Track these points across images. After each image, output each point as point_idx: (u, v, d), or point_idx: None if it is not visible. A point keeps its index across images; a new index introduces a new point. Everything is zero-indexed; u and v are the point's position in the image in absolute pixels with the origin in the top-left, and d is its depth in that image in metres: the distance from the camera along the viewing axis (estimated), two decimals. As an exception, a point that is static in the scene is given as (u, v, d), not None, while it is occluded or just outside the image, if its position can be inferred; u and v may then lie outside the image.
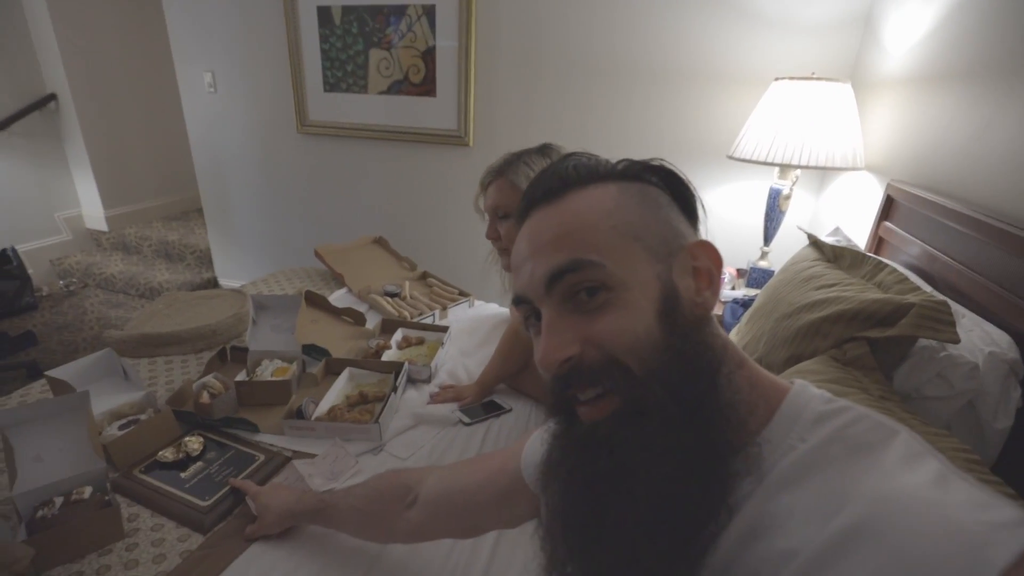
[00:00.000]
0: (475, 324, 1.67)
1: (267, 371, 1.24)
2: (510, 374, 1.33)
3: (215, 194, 2.86)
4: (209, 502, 0.89)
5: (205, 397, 1.11)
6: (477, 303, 1.84)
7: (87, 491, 0.85)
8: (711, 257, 0.43)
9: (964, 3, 1.19)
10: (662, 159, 0.47)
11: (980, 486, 0.33)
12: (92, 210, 3.31)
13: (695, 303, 0.42)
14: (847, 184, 1.70)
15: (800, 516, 0.34)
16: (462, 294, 1.84)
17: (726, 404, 0.39)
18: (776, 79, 1.58)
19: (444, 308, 1.73)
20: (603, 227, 0.41)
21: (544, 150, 1.10)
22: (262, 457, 1.02)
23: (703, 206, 0.48)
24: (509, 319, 1.35)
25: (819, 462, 0.36)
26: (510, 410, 1.25)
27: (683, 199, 0.47)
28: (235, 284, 2.87)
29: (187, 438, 1.03)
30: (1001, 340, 0.81)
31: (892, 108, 1.47)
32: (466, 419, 1.20)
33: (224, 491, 0.92)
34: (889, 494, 0.32)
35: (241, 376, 1.22)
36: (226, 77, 2.55)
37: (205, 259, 3.13)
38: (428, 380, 1.34)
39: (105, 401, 1.07)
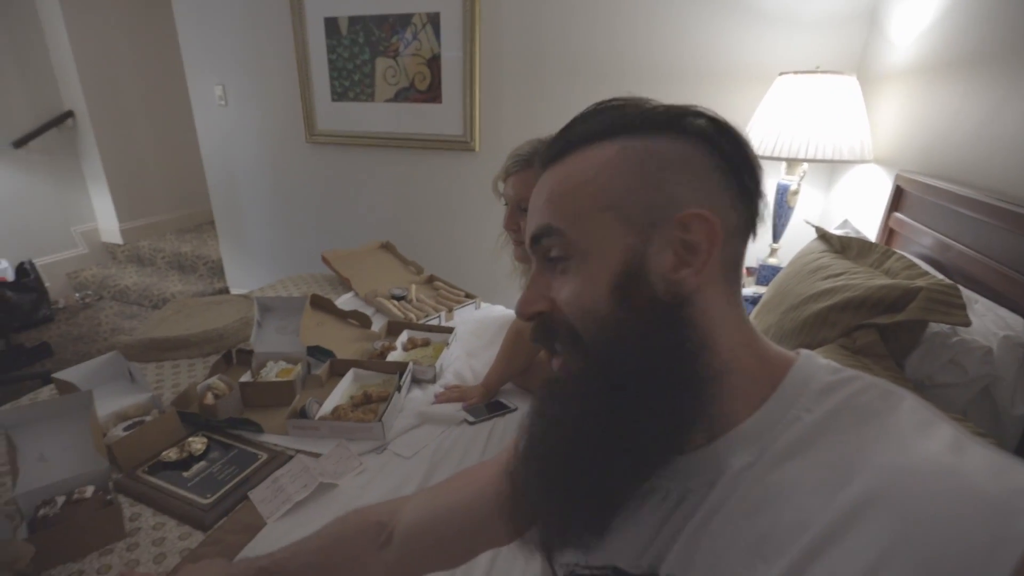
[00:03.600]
0: (481, 326, 1.66)
1: (272, 372, 1.25)
2: (514, 374, 1.32)
3: (226, 206, 2.91)
4: (211, 500, 0.89)
5: (209, 398, 1.12)
6: (484, 305, 1.83)
7: (89, 491, 0.85)
8: (706, 231, 0.38)
9: (969, -11, 1.18)
10: (706, 111, 0.41)
11: (996, 450, 0.31)
12: (107, 224, 3.39)
13: (670, 280, 0.38)
14: (856, 177, 1.67)
15: (807, 487, 0.33)
16: (468, 296, 1.84)
17: (693, 385, 0.37)
18: (781, 74, 1.57)
19: (450, 310, 1.73)
20: (580, 194, 0.41)
21: None
22: (265, 456, 1.01)
23: (757, 167, 0.41)
24: (513, 322, 1.34)
25: (826, 432, 0.34)
26: (515, 409, 1.24)
27: (732, 157, 0.40)
28: (245, 292, 2.91)
29: (191, 438, 1.03)
30: (1016, 324, 0.79)
31: (899, 99, 1.45)
32: (471, 418, 1.19)
33: (226, 488, 0.92)
34: (903, 461, 0.30)
35: (246, 377, 1.23)
36: (236, 90, 2.60)
37: (217, 270, 3.17)
38: (433, 380, 1.33)
39: (111, 403, 1.08)
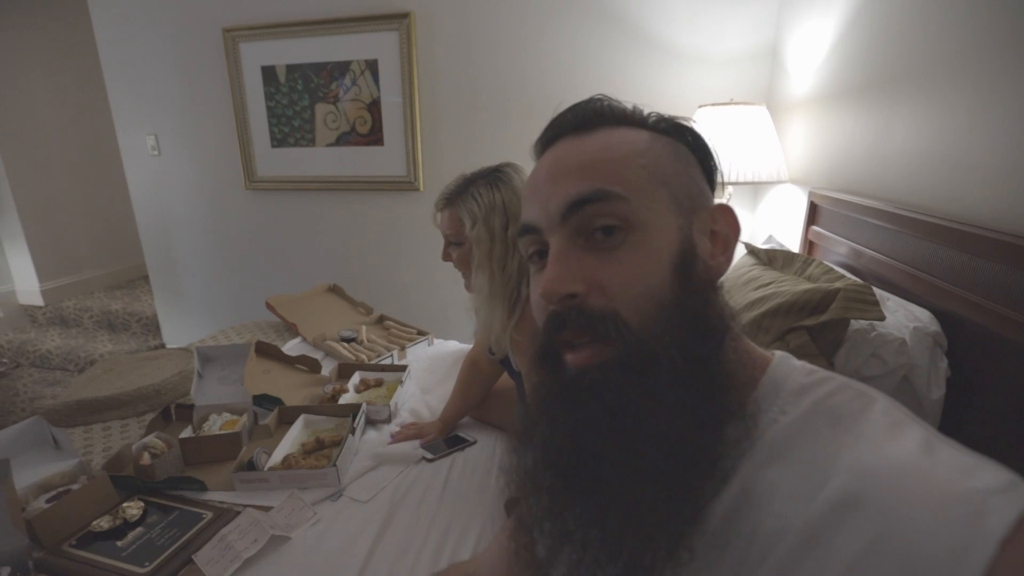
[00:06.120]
0: (435, 362, 1.65)
1: (215, 425, 1.18)
2: (472, 407, 1.31)
3: (161, 259, 2.78)
4: (149, 568, 0.82)
5: (146, 458, 1.04)
6: (436, 341, 1.82)
7: (4, 572, 0.76)
8: (730, 223, 0.42)
9: (849, 30, 1.34)
10: (692, 120, 0.45)
11: (965, 450, 0.31)
12: (26, 285, 3.14)
13: (709, 265, 0.40)
14: (776, 197, 1.81)
15: (785, 493, 0.33)
16: (420, 333, 1.82)
17: (727, 371, 0.37)
18: (700, 106, 1.71)
19: (403, 348, 1.70)
20: (634, 164, 0.39)
21: (494, 177, 1.02)
22: (210, 514, 0.95)
23: (723, 176, 0.46)
24: (468, 353, 1.34)
25: (802, 435, 0.34)
26: (474, 442, 1.23)
27: (705, 165, 0.45)
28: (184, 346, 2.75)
29: (125, 504, 0.95)
30: (923, 316, 0.87)
31: (804, 125, 1.61)
32: (429, 455, 1.16)
33: (167, 554, 0.84)
34: (876, 465, 0.30)
35: (186, 433, 1.15)
36: (170, 139, 2.53)
37: (152, 326, 2.98)
38: (388, 420, 1.30)
39: (32, 473, 0.98)
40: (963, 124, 0.93)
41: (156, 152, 2.56)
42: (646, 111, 0.44)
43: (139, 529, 0.91)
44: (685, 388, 0.35)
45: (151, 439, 1.08)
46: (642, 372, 0.36)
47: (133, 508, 0.94)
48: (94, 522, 0.90)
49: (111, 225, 3.42)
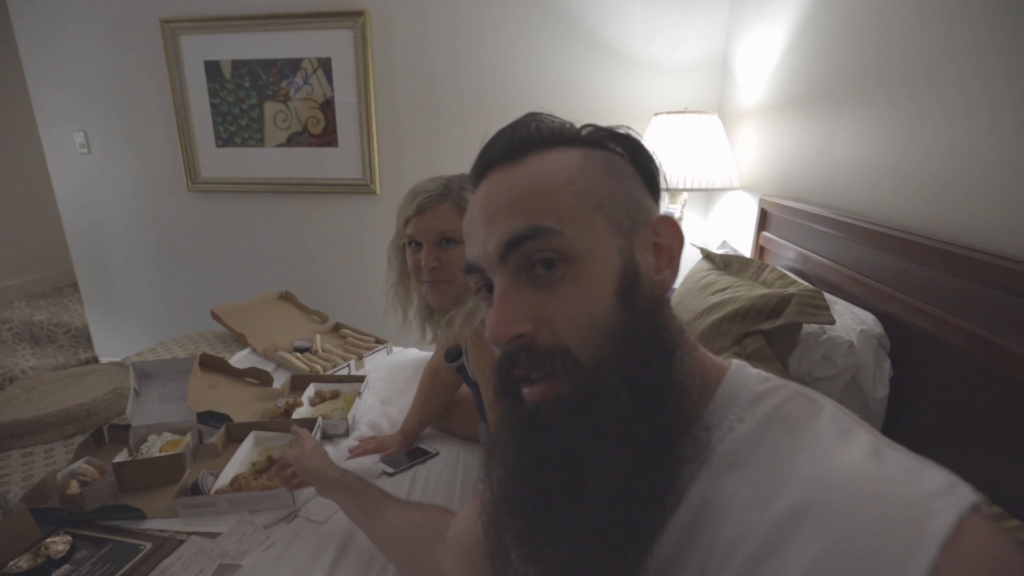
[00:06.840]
0: (395, 371, 1.60)
1: (155, 447, 1.09)
2: (433, 417, 1.28)
3: (92, 264, 2.58)
4: (77, 611, 0.74)
5: (74, 487, 0.95)
6: (395, 349, 1.77)
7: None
8: (673, 234, 0.42)
9: (795, 43, 1.40)
10: (628, 127, 0.43)
11: (908, 452, 0.33)
12: (-68, 295, 2.84)
13: (654, 281, 0.40)
14: (729, 203, 1.88)
15: (742, 501, 0.33)
16: (379, 341, 1.77)
17: (679, 389, 0.37)
18: (656, 114, 1.74)
19: (360, 358, 1.65)
20: (565, 193, 0.38)
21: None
22: (148, 545, 0.87)
23: (666, 181, 0.45)
24: (428, 362, 1.31)
25: (758, 443, 0.35)
26: (437, 454, 1.19)
27: (646, 173, 0.44)
28: (118, 360, 2.56)
29: (49, 539, 0.86)
30: (868, 319, 0.91)
31: (755, 133, 1.67)
32: (390, 469, 1.12)
33: (98, 594, 0.77)
34: (827, 473, 0.31)
35: (122, 457, 1.06)
36: (102, 137, 2.36)
37: (82, 338, 2.76)
38: (346, 434, 1.25)
39: (-64, 510, 0.88)
40: (899, 136, 0.99)
41: (85, 150, 2.38)
42: (579, 124, 0.43)
43: (65, 567, 0.82)
44: (632, 423, 0.36)
45: (80, 465, 0.99)
46: (590, 412, 0.36)
47: (59, 544, 0.85)
48: (10, 563, 0.81)
49: (32, 228, 3.15)
